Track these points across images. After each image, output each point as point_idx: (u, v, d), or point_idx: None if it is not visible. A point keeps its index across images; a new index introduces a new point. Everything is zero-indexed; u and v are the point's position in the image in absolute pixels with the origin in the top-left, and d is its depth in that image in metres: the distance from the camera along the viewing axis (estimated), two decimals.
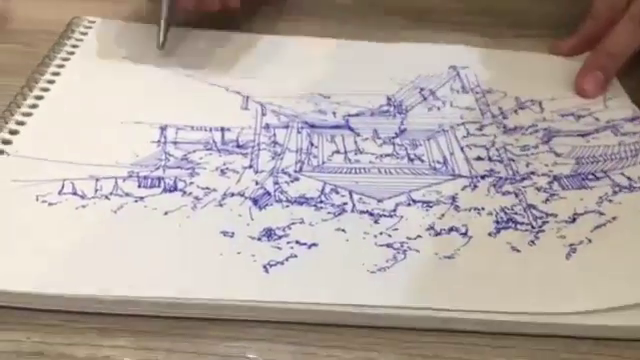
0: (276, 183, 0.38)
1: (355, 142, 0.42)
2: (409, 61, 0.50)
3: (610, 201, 0.38)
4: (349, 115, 0.44)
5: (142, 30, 0.49)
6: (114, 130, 0.41)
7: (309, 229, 0.35)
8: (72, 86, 0.44)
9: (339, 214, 0.36)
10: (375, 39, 0.52)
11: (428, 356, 0.30)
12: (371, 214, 0.36)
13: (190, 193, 0.37)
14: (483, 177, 0.40)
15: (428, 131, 0.43)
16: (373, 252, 0.34)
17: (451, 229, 0.36)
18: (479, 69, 0.49)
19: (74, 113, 0.42)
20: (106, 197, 0.36)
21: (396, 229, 0.35)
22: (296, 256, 0.33)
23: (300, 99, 0.45)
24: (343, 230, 0.35)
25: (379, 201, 0.37)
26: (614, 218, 0.37)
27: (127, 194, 0.36)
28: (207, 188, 0.37)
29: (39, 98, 0.43)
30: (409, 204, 0.37)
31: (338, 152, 0.41)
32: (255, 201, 0.37)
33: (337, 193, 0.38)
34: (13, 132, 0.40)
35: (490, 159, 0.41)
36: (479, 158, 0.41)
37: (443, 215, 0.37)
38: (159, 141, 0.40)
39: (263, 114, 0.43)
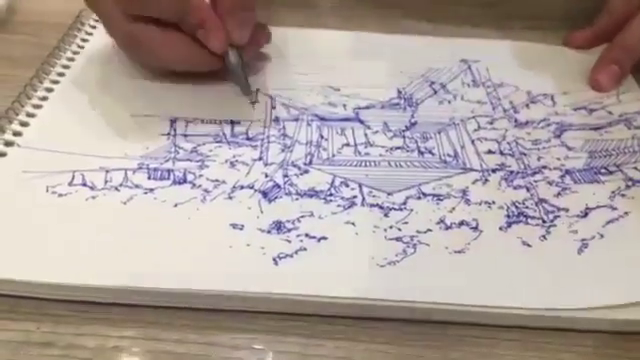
0: (286, 176, 0.38)
1: (365, 135, 0.42)
2: (420, 54, 0.49)
3: (623, 195, 0.38)
4: (359, 108, 0.44)
5: None
6: (124, 122, 0.41)
7: (319, 222, 0.35)
8: (82, 78, 0.44)
9: (349, 207, 0.36)
10: (385, 32, 0.52)
11: (435, 348, 0.30)
12: (381, 207, 0.36)
13: (200, 185, 0.37)
14: (494, 171, 0.39)
15: (439, 124, 0.43)
16: (383, 246, 0.34)
17: (461, 223, 0.35)
18: (490, 62, 0.49)
19: (84, 105, 0.42)
20: (116, 189, 0.36)
21: (406, 222, 0.35)
22: (305, 249, 0.33)
23: (310, 92, 0.45)
24: (353, 223, 0.35)
25: (389, 194, 0.37)
26: (626, 213, 0.37)
27: (137, 186, 0.36)
28: (217, 180, 0.37)
29: (49, 90, 0.43)
30: (419, 197, 0.37)
31: (348, 145, 0.41)
32: (265, 194, 0.37)
33: (347, 186, 0.37)
34: (23, 124, 0.40)
35: (501, 153, 0.41)
36: (490, 152, 0.41)
37: (454, 209, 0.36)
38: (169, 134, 0.40)
39: (273, 107, 0.43)
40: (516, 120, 0.44)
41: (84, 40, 0.48)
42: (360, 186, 0.37)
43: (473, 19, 0.54)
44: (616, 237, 0.35)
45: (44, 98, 0.42)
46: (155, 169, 0.38)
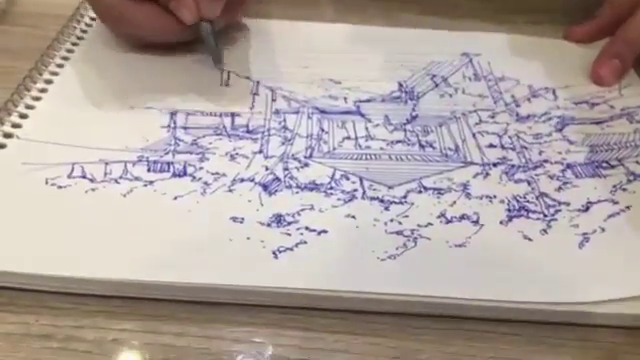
0: (286, 169, 0.38)
1: (366, 128, 0.41)
2: (421, 48, 0.49)
3: (624, 190, 0.38)
4: (360, 101, 0.44)
5: None
6: (124, 114, 0.41)
7: (319, 215, 0.35)
8: (82, 70, 0.44)
9: (349, 200, 0.36)
10: (386, 25, 0.51)
11: (436, 342, 0.30)
12: (381, 201, 0.36)
13: (200, 178, 0.37)
14: (495, 165, 0.39)
15: (440, 118, 0.43)
16: (383, 239, 0.34)
17: (462, 217, 0.35)
18: (492, 56, 0.49)
19: (84, 97, 0.42)
20: (116, 181, 0.36)
21: (407, 216, 0.35)
22: (306, 242, 0.33)
23: (311, 84, 0.45)
24: (353, 217, 0.35)
25: (390, 188, 0.37)
26: (628, 207, 0.37)
27: (136, 178, 0.36)
28: (217, 173, 0.37)
29: (49, 82, 0.43)
30: (420, 191, 0.37)
31: (349, 138, 0.41)
32: (265, 187, 0.36)
33: (347, 179, 0.37)
34: (23, 116, 0.40)
35: (502, 147, 0.41)
36: (491, 145, 0.41)
37: (454, 202, 0.36)
38: (169, 126, 0.40)
39: (273, 99, 0.43)
40: (517, 114, 0.43)
41: (83, 31, 0.48)
42: (361, 179, 0.37)
43: (474, 12, 0.54)
44: (617, 231, 0.35)
45: (43, 90, 0.42)
46: (155, 161, 0.37)
